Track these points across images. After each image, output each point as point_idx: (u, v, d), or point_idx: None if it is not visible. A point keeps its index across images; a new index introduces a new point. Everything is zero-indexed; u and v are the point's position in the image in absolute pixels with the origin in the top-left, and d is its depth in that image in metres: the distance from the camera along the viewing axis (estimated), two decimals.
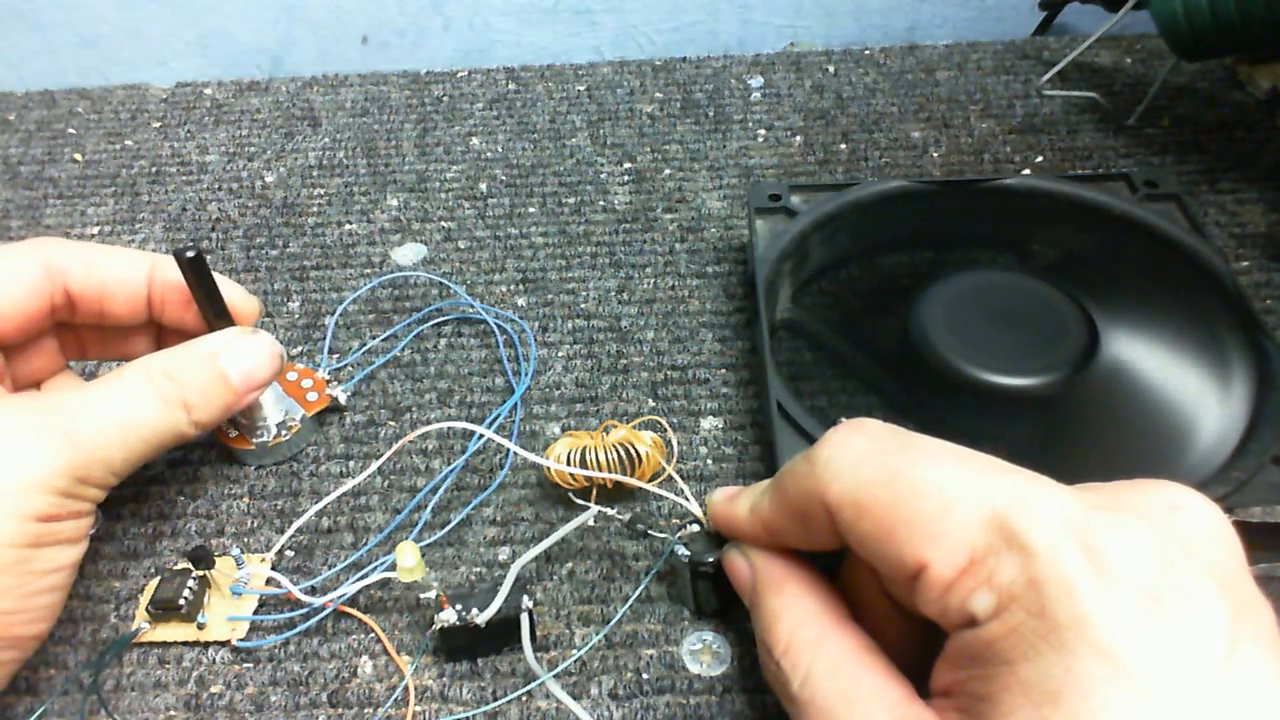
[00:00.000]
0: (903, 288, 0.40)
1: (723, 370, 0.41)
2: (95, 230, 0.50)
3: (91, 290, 0.34)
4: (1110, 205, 0.42)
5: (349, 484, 0.36)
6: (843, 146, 0.53)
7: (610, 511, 0.32)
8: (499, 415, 0.39)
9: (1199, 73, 0.56)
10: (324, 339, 0.43)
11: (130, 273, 0.34)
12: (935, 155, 0.52)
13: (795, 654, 0.25)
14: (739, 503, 0.29)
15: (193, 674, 0.31)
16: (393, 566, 0.30)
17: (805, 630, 0.25)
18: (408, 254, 0.48)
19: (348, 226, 0.50)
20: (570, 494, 0.35)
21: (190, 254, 0.32)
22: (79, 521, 0.29)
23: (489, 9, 0.66)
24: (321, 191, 0.52)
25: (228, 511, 0.36)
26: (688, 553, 0.30)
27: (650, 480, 0.34)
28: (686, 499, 0.32)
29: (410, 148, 0.55)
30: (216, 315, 0.34)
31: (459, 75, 0.61)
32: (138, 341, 0.36)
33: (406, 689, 0.30)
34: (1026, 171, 0.50)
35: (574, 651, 0.31)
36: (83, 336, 0.36)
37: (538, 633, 0.32)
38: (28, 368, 0.34)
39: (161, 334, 0.36)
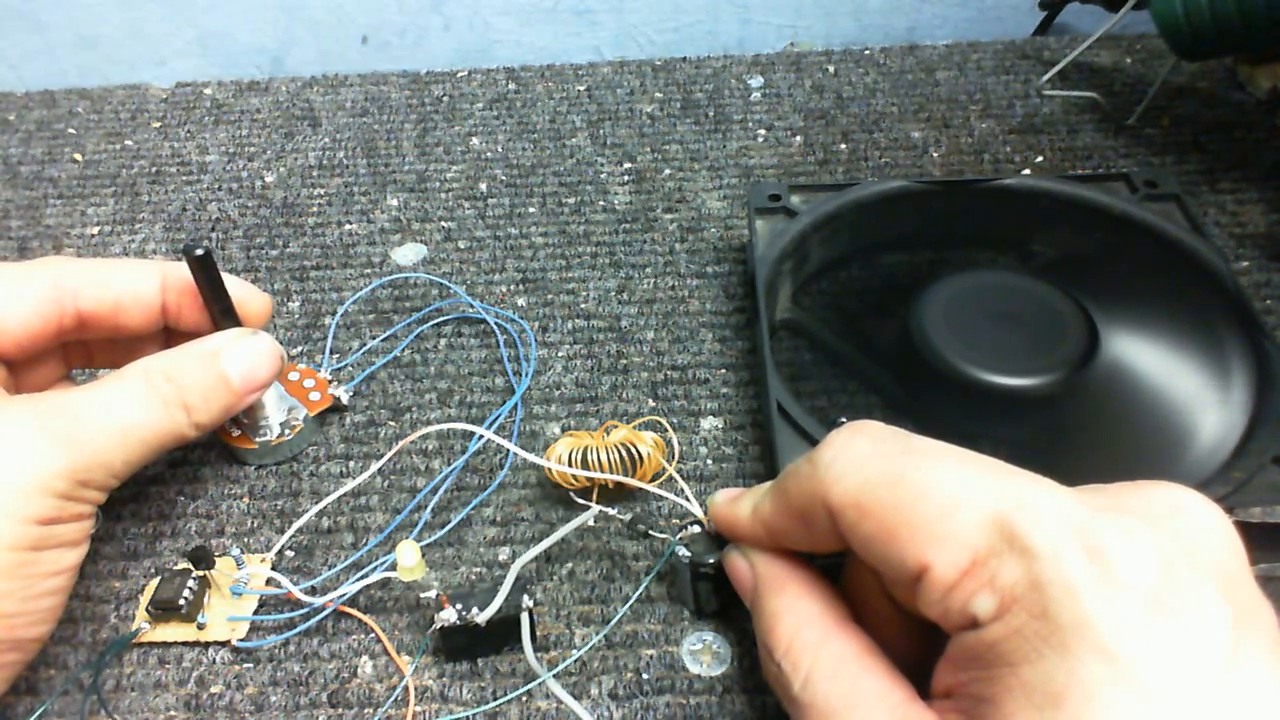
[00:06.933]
0: (903, 288, 0.40)
1: (723, 370, 0.41)
2: (95, 230, 0.50)
3: (105, 308, 0.33)
4: (1110, 205, 0.42)
5: (349, 484, 0.36)
6: (843, 146, 0.53)
7: (611, 512, 0.32)
8: (499, 415, 0.39)
9: (1199, 73, 0.56)
10: (324, 339, 0.43)
11: (143, 285, 0.34)
12: (935, 155, 0.52)
13: (796, 655, 0.25)
14: (740, 504, 0.28)
15: (193, 674, 0.31)
16: (393, 566, 0.30)
17: (806, 632, 0.25)
18: (408, 254, 0.48)
19: (348, 226, 0.50)
20: (571, 494, 0.35)
21: (199, 252, 0.32)
22: (79, 524, 0.29)
23: (489, 9, 0.66)
24: (321, 191, 0.52)
25: (228, 511, 0.36)
26: (688, 553, 0.30)
27: (651, 481, 0.34)
28: (687, 499, 0.32)
29: (410, 148, 0.55)
30: (223, 314, 0.34)
31: (459, 75, 0.61)
32: (147, 348, 0.36)
33: (406, 689, 0.30)
34: (1026, 171, 0.50)
35: (574, 651, 0.31)
36: (91, 347, 0.36)
37: (538, 633, 0.32)
38: (30, 381, 0.34)
39: (170, 337, 0.36)
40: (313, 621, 0.32)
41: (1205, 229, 0.40)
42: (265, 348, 0.34)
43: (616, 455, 0.33)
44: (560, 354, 0.42)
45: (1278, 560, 0.31)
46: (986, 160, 0.51)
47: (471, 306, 0.44)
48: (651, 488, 0.33)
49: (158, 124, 0.58)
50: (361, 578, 0.32)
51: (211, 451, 0.38)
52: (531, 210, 0.50)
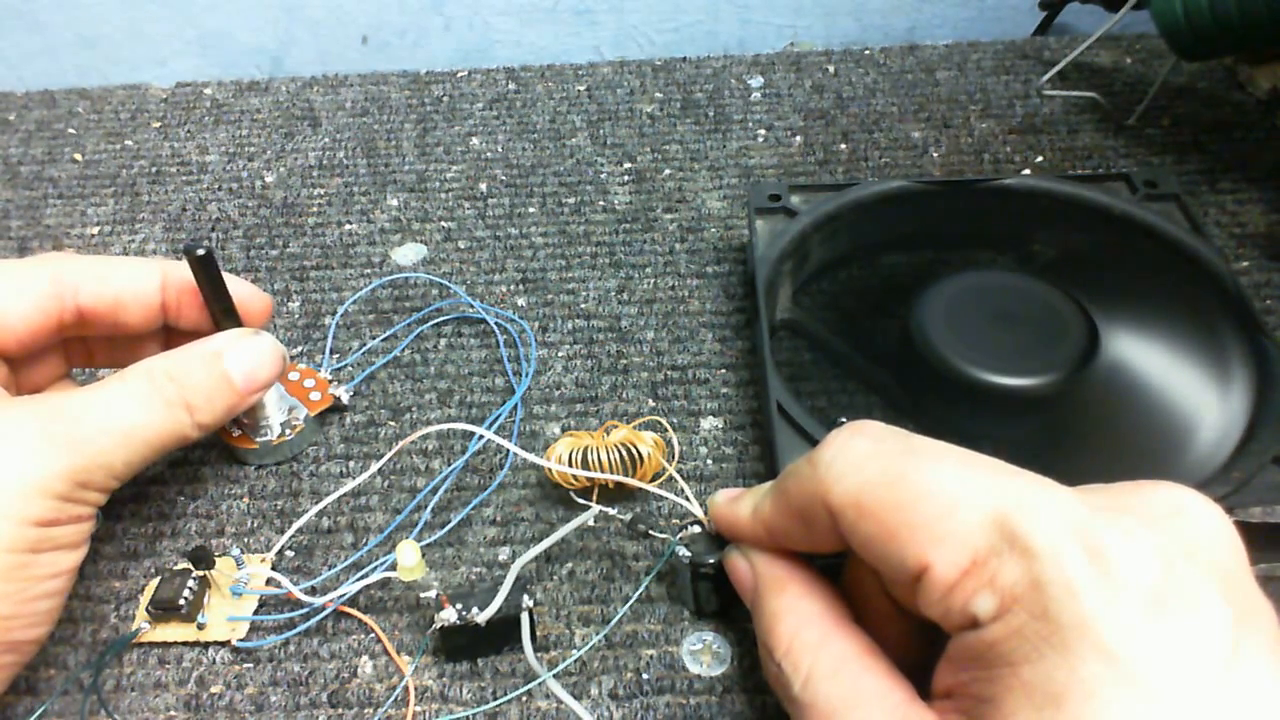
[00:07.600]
0: (903, 288, 0.40)
1: (723, 370, 0.41)
2: (95, 230, 0.50)
3: (104, 304, 0.33)
4: (1110, 205, 0.42)
5: (349, 484, 0.36)
6: (843, 146, 0.53)
7: (611, 511, 0.32)
8: (499, 415, 0.39)
9: (1199, 73, 0.56)
10: (324, 339, 0.43)
11: (143, 282, 0.34)
12: (935, 155, 0.52)
13: (797, 655, 0.25)
14: (741, 504, 0.28)
15: (193, 674, 0.31)
16: (393, 566, 0.30)
17: (807, 632, 0.25)
18: (408, 254, 0.48)
19: (348, 226, 0.50)
20: (571, 494, 0.35)
21: (200, 251, 0.32)
22: (79, 526, 0.29)
23: (489, 9, 0.66)
24: (321, 191, 0.52)
25: (228, 511, 0.36)
26: (688, 553, 0.30)
27: (651, 481, 0.34)
28: (687, 499, 0.32)
29: (410, 148, 0.55)
30: (224, 314, 0.34)
31: (459, 75, 0.61)
32: (147, 347, 0.36)
33: (406, 689, 0.30)
34: (1026, 171, 0.50)
35: (574, 651, 0.31)
36: (91, 345, 0.36)
37: (538, 633, 0.32)
38: (30, 379, 0.34)
39: (170, 337, 0.36)
40: (313, 621, 0.32)
41: (1205, 229, 0.40)
42: (267, 348, 0.34)
43: (616, 455, 0.33)
44: (560, 354, 0.42)
45: (1278, 560, 0.31)
46: (986, 160, 0.51)
47: (471, 306, 0.44)
48: (651, 488, 0.33)
49: (158, 124, 0.58)
50: (361, 578, 0.32)
51: (212, 451, 0.38)
52: (531, 210, 0.50)
